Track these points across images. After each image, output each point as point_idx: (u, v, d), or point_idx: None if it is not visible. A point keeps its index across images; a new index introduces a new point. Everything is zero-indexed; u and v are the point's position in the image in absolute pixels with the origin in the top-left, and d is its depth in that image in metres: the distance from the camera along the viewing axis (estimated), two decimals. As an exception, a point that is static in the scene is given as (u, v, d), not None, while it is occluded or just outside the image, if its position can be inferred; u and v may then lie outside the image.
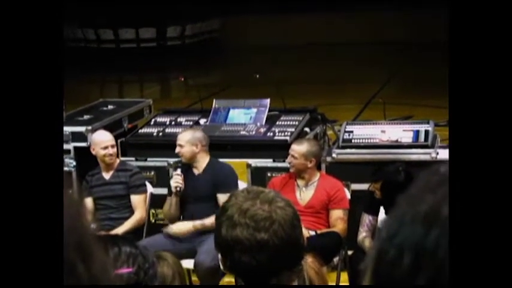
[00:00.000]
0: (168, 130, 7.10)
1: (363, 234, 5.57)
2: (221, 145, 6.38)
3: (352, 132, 6.56)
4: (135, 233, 5.83)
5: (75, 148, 6.90)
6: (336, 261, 5.66)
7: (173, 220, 5.97)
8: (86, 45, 20.98)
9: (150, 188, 6.22)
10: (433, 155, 6.20)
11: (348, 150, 6.43)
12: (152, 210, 6.51)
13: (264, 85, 11.18)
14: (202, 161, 5.87)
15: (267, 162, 6.51)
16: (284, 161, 6.10)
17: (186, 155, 5.85)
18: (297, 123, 6.94)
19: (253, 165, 6.49)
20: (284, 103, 7.57)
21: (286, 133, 6.71)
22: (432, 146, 6.32)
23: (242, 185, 5.79)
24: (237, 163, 6.20)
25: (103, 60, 19.57)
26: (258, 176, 6.39)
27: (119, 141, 6.72)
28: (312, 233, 5.58)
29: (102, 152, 6.02)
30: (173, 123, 7.25)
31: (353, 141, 6.48)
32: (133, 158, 6.75)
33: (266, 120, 7.00)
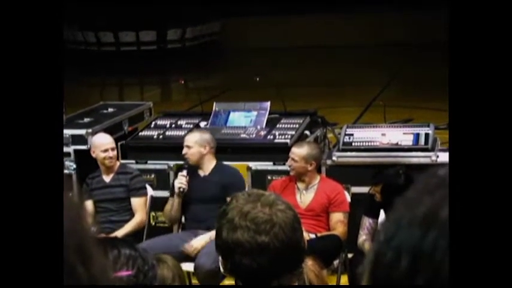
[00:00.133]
0: (168, 133, 7.10)
1: (363, 237, 5.57)
2: (221, 148, 6.38)
3: (352, 135, 6.56)
4: (135, 235, 5.82)
5: (75, 151, 6.90)
6: (336, 264, 5.66)
7: (173, 221, 5.95)
8: (86, 48, 21.00)
9: (150, 191, 6.22)
10: (433, 158, 6.20)
11: (348, 153, 6.43)
12: (152, 213, 6.51)
13: (264, 88, 11.20)
14: (209, 163, 5.85)
15: (267, 165, 6.51)
16: (284, 164, 6.10)
17: (193, 157, 5.80)
18: (297, 126, 6.94)
19: (253, 168, 6.49)
20: (284, 106, 7.57)
21: (286, 136, 6.71)
22: (432, 149, 6.31)
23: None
24: (237, 166, 6.20)
25: (103, 63, 19.59)
26: (258, 179, 6.39)
27: (119, 144, 6.72)
28: (312, 236, 5.58)
29: (102, 154, 6.02)
30: (173, 126, 7.25)
31: (353, 144, 6.48)
32: (133, 161, 6.75)
33: (266, 123, 7.00)
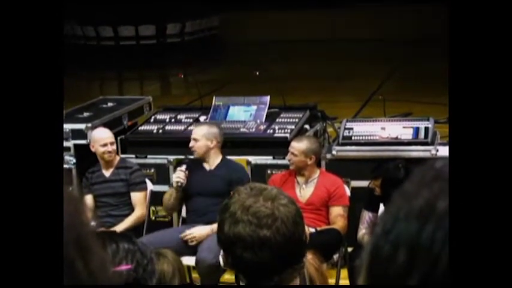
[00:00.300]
0: (168, 127, 7.10)
1: (362, 231, 5.57)
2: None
3: (352, 129, 6.56)
4: (135, 230, 5.82)
5: (75, 145, 6.90)
6: (336, 258, 5.66)
7: (171, 210, 5.94)
8: (85, 42, 20.98)
9: (150, 185, 6.22)
10: (433, 152, 6.20)
11: (348, 147, 6.43)
12: (152, 208, 6.52)
13: (263, 82, 11.19)
14: (215, 157, 5.84)
15: (267, 160, 6.51)
16: (284, 158, 6.10)
17: (200, 150, 5.79)
18: (297, 120, 6.94)
19: (253, 162, 6.49)
20: (284, 100, 7.57)
21: (286, 130, 6.71)
22: (432, 143, 6.32)
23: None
24: (236, 160, 6.20)
25: (103, 57, 19.57)
26: (258, 173, 6.39)
27: (118, 138, 6.72)
28: (312, 230, 5.58)
29: (102, 149, 6.02)
30: (173, 120, 7.25)
31: (353, 138, 6.48)
32: (133, 155, 6.75)
33: (266, 118, 7.00)
